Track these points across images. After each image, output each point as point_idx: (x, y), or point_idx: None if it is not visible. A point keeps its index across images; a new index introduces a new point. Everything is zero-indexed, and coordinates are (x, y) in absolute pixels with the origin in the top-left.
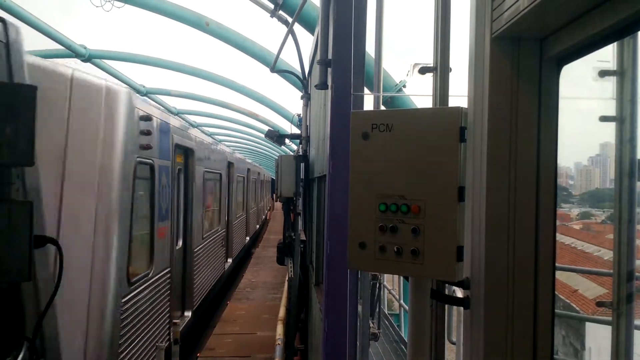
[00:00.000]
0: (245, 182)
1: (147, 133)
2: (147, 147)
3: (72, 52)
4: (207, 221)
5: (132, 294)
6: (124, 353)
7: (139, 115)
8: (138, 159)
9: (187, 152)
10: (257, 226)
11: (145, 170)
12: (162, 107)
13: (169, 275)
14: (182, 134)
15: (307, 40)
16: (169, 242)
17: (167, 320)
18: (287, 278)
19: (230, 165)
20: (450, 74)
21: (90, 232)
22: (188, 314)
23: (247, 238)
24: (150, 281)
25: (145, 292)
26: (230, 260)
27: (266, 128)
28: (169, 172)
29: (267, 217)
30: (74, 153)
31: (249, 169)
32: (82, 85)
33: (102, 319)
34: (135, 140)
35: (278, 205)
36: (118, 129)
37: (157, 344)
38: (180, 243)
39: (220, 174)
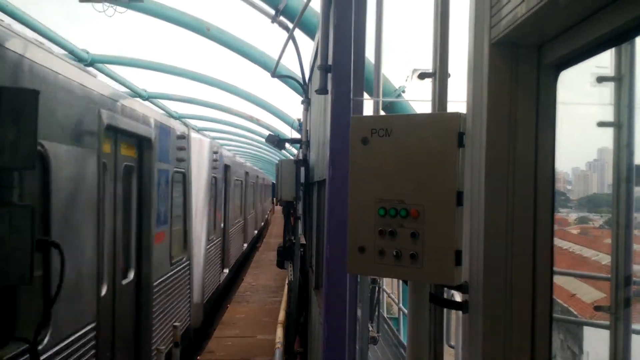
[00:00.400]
0: (255, 186)
1: (216, 160)
2: (215, 168)
3: (74, 56)
4: (235, 213)
5: (209, 246)
6: (205, 273)
7: (213, 152)
8: (212, 175)
9: (226, 168)
10: (262, 223)
11: (214, 180)
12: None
13: (221, 242)
14: (227, 156)
15: (307, 46)
16: (220, 222)
17: (220, 268)
18: (287, 281)
19: (246, 174)
20: (449, 80)
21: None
22: (226, 270)
23: (256, 231)
24: (214, 242)
25: (212, 248)
26: (245, 245)
27: (267, 132)
28: (222, 181)
29: (269, 218)
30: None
31: (257, 175)
32: (192, 138)
33: (200, 254)
34: (211, 165)
35: (278, 208)
36: (205, 161)
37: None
38: (222, 225)
39: (242, 181)
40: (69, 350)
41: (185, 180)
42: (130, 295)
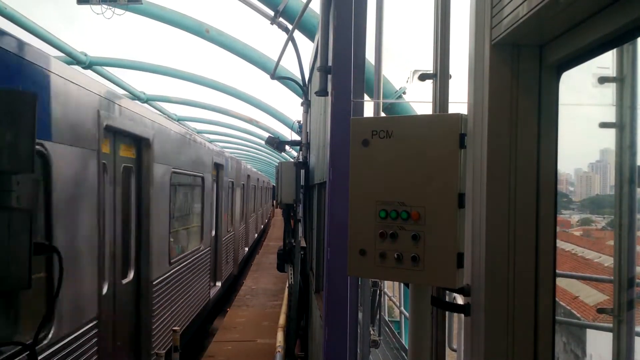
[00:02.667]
0: (261, 190)
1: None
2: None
3: (73, 59)
4: (255, 205)
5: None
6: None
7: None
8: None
9: (248, 176)
10: (266, 220)
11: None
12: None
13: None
14: (250, 170)
15: (307, 47)
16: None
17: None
18: (287, 285)
19: (258, 180)
20: (450, 81)
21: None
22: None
23: (262, 226)
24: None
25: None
26: (259, 229)
27: (266, 135)
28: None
29: (270, 217)
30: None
31: (265, 181)
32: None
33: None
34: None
35: (278, 210)
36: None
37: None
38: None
39: (254, 185)
40: None
41: None
42: None
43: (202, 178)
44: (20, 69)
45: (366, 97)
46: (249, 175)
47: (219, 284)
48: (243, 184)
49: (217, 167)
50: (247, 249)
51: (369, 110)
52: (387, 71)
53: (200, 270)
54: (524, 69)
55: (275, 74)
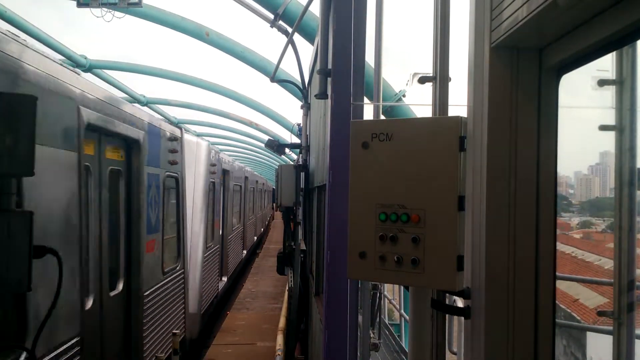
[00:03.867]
0: (260, 192)
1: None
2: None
3: (73, 62)
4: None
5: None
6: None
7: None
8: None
9: (245, 179)
10: (269, 218)
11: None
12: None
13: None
14: (249, 173)
15: (306, 50)
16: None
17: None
18: (287, 288)
19: (259, 183)
20: (450, 84)
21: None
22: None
23: (262, 228)
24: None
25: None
26: (259, 232)
27: (266, 137)
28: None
29: (270, 219)
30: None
31: (264, 183)
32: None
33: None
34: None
35: (278, 213)
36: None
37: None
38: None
39: (257, 188)
40: None
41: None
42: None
43: (213, 183)
44: None
45: (366, 99)
46: (247, 177)
47: (224, 279)
48: (241, 186)
49: (224, 172)
50: (244, 252)
51: (368, 113)
52: (386, 74)
53: (212, 266)
54: (523, 72)
55: (275, 76)
